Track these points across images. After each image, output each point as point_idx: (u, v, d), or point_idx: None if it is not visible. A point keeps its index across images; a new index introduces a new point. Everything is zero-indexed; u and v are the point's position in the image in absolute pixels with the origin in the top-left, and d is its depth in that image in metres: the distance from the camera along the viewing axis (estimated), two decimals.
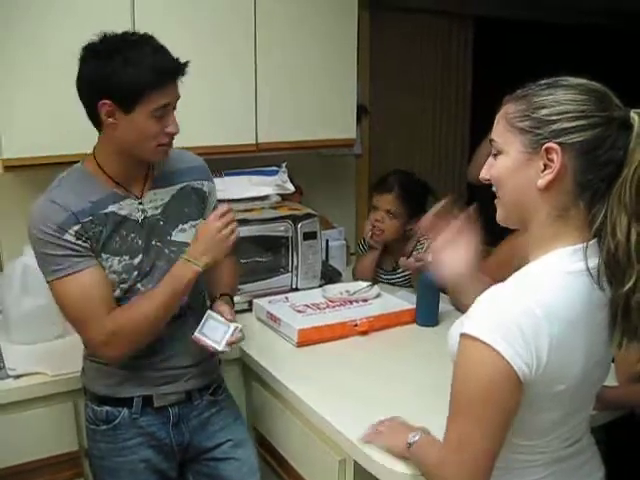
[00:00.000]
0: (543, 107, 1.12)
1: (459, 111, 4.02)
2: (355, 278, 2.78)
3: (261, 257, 2.55)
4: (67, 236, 1.58)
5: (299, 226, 2.54)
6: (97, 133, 1.65)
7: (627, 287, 1.09)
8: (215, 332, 1.69)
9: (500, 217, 1.25)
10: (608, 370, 1.30)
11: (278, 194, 2.67)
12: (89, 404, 1.78)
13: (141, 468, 1.76)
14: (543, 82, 1.17)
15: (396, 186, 2.67)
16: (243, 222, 2.31)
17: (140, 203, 1.71)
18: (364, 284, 2.56)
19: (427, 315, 2.33)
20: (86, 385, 1.80)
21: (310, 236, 2.57)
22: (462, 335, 1.12)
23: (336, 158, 3.24)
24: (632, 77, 3.90)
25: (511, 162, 1.16)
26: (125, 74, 1.51)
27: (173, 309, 1.67)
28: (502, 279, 2.50)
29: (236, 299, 2.38)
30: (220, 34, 2.38)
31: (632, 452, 1.88)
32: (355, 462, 1.61)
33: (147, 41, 1.58)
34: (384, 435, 1.50)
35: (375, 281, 2.70)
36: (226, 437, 1.87)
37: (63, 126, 2.06)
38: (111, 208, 1.66)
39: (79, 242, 1.60)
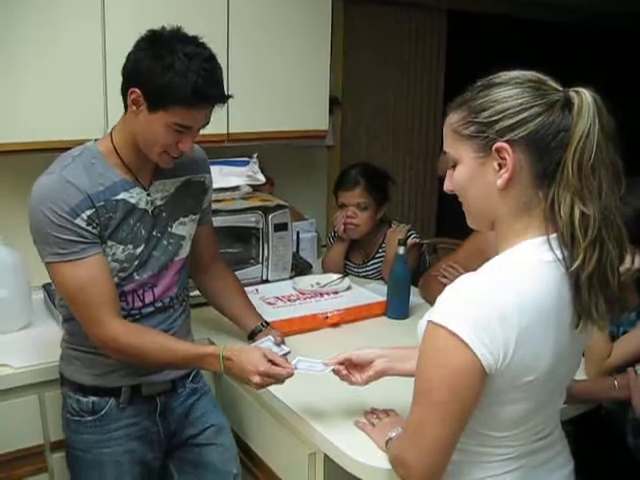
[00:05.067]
0: (483, 110, 1.13)
1: (431, 104, 4.01)
2: (324, 270, 2.77)
3: (231, 248, 2.53)
4: (79, 220, 1.54)
5: (270, 217, 2.52)
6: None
7: (576, 265, 1.09)
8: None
9: (471, 224, 1.27)
10: (579, 363, 1.30)
11: (249, 185, 2.65)
12: (72, 395, 1.74)
13: (126, 460, 1.74)
14: (478, 84, 1.18)
15: (361, 179, 2.68)
16: (213, 213, 2.28)
17: (148, 193, 1.69)
18: (335, 276, 2.55)
19: (398, 308, 2.33)
20: (67, 375, 1.76)
21: (281, 227, 2.55)
22: (429, 322, 1.11)
23: (308, 149, 3.23)
24: (603, 74, 3.95)
25: (467, 170, 1.17)
26: (164, 77, 1.50)
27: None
28: (473, 270, 2.51)
29: None
30: (191, 23, 2.33)
31: (599, 446, 1.90)
32: (325, 455, 1.60)
33: (204, 58, 1.54)
34: (373, 429, 1.53)
35: (345, 273, 2.69)
36: (209, 422, 1.87)
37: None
38: (122, 195, 1.63)
39: (89, 228, 1.56)
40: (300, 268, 2.71)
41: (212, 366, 1.64)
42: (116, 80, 2.18)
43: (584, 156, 1.07)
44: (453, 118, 1.19)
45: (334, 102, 3.14)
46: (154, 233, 1.71)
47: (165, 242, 1.74)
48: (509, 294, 1.08)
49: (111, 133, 1.67)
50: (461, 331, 1.05)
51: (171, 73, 1.49)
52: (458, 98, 1.20)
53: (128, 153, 1.64)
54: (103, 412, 1.72)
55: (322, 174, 3.42)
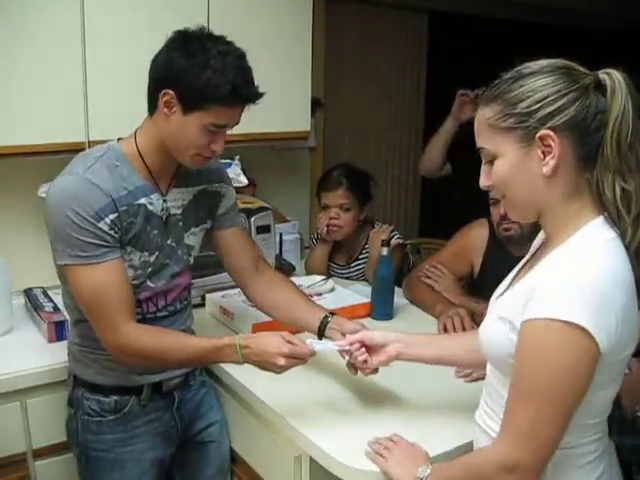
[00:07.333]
0: (520, 100, 1.14)
1: (413, 104, 4.03)
2: (307, 272, 2.77)
3: (214, 251, 2.51)
4: (102, 224, 1.52)
5: (252, 220, 2.51)
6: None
7: (626, 242, 1.12)
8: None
9: (515, 216, 1.28)
10: None
11: None
12: (90, 396, 1.72)
13: (147, 458, 1.76)
14: (507, 77, 1.18)
15: (344, 179, 2.69)
16: None
17: (164, 200, 1.67)
18: (318, 278, 2.54)
19: (382, 309, 2.33)
20: (84, 377, 1.74)
21: (263, 230, 2.54)
22: (530, 320, 1.10)
23: (290, 151, 3.22)
24: None
25: (510, 161, 1.17)
26: (200, 76, 1.48)
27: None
28: (456, 270, 2.50)
29: None
30: (172, 26, 2.33)
31: None
32: (311, 458, 1.60)
33: (237, 55, 1.54)
34: (389, 463, 1.40)
35: (329, 275, 2.69)
36: (214, 418, 1.90)
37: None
38: (143, 200, 1.62)
39: (111, 232, 1.54)
40: (283, 270, 2.69)
41: (229, 357, 1.61)
42: (96, 82, 2.19)
43: (622, 134, 1.10)
44: (488, 113, 1.18)
45: (316, 103, 3.13)
46: (168, 242, 1.69)
47: (180, 252, 1.73)
48: (604, 275, 1.08)
49: (135, 134, 1.64)
50: (578, 318, 1.05)
51: (208, 71, 1.48)
52: (487, 93, 1.20)
53: (152, 157, 1.62)
54: (126, 410, 1.72)
55: (305, 176, 3.41)
